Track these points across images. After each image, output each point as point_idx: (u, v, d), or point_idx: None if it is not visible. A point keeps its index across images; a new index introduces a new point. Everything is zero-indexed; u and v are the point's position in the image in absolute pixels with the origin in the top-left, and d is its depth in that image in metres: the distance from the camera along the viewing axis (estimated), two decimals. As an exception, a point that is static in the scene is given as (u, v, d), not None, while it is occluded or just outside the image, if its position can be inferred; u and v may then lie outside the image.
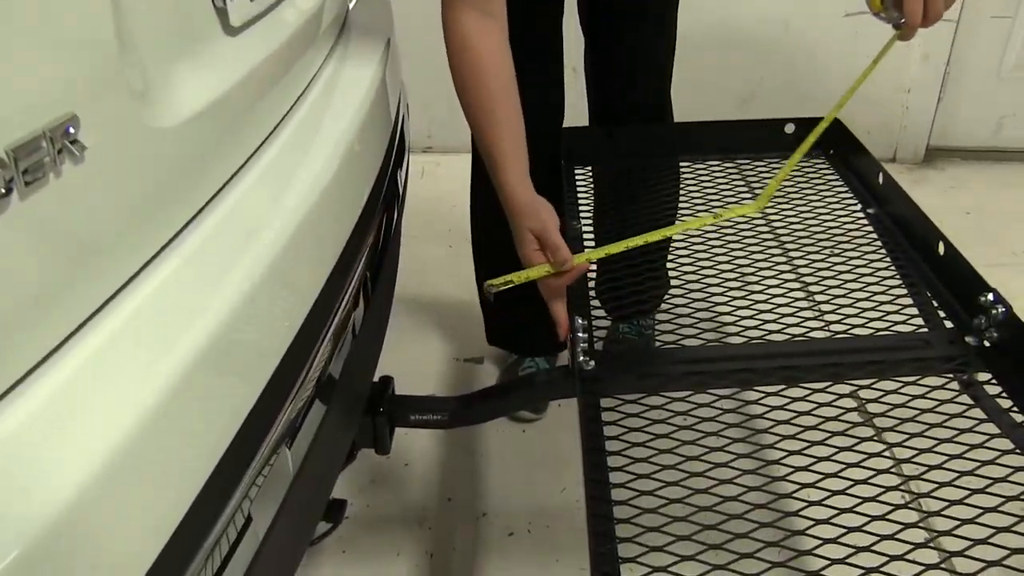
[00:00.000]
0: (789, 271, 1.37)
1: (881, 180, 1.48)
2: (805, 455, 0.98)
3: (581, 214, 1.49)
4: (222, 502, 0.61)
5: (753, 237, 1.45)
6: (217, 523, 0.60)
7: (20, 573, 0.42)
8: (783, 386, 1.13)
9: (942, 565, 0.81)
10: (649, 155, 1.70)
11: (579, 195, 1.56)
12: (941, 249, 1.27)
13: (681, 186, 1.62)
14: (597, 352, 1.14)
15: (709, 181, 1.61)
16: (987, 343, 1.13)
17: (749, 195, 1.57)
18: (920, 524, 0.90)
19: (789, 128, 1.68)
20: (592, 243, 1.47)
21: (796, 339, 1.21)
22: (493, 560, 1.43)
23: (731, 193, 1.57)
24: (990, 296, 1.14)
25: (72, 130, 0.51)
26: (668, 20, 1.72)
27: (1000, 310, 1.12)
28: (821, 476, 0.93)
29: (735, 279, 1.33)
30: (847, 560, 0.82)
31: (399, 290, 1.77)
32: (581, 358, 1.11)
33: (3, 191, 0.46)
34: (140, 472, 0.52)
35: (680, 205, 1.58)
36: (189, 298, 0.62)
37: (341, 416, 0.91)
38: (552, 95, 1.71)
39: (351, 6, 1.30)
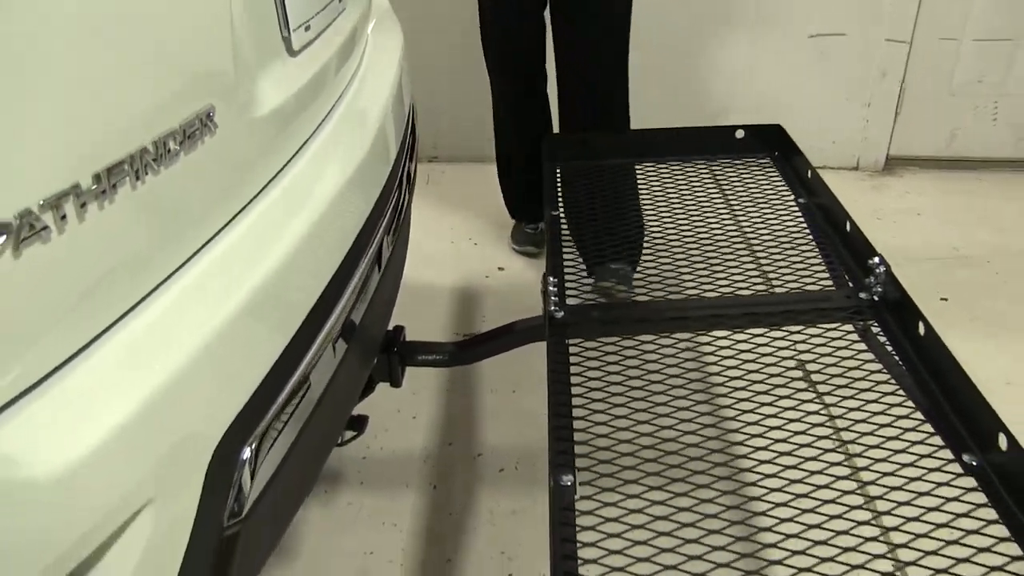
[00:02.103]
0: (740, 244, 1.71)
1: (810, 176, 1.81)
2: (744, 391, 1.31)
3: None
4: (292, 369, 0.93)
5: (715, 218, 1.78)
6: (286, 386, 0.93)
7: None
8: (715, 331, 1.46)
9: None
10: (617, 157, 2.03)
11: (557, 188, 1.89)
12: (848, 227, 1.59)
13: (644, 182, 1.96)
14: (567, 304, 1.47)
15: (670, 179, 1.94)
16: (876, 298, 1.46)
17: (704, 193, 1.90)
18: (827, 425, 1.23)
19: (739, 134, 2.01)
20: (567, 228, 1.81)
21: (727, 295, 1.53)
22: (486, 491, 1.75)
23: (688, 189, 1.90)
24: (876, 260, 1.46)
25: (211, 114, 0.84)
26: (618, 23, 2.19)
27: (882, 270, 1.44)
28: (757, 406, 1.25)
29: (690, 248, 1.67)
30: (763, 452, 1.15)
31: (407, 277, 2.11)
32: (552, 307, 1.44)
33: (176, 148, 0.79)
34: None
35: (643, 197, 1.93)
36: (260, 245, 0.94)
37: (364, 343, 1.23)
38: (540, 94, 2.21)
39: (370, 28, 1.63)
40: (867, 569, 0.98)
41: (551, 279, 1.46)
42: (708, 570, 0.98)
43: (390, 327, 1.52)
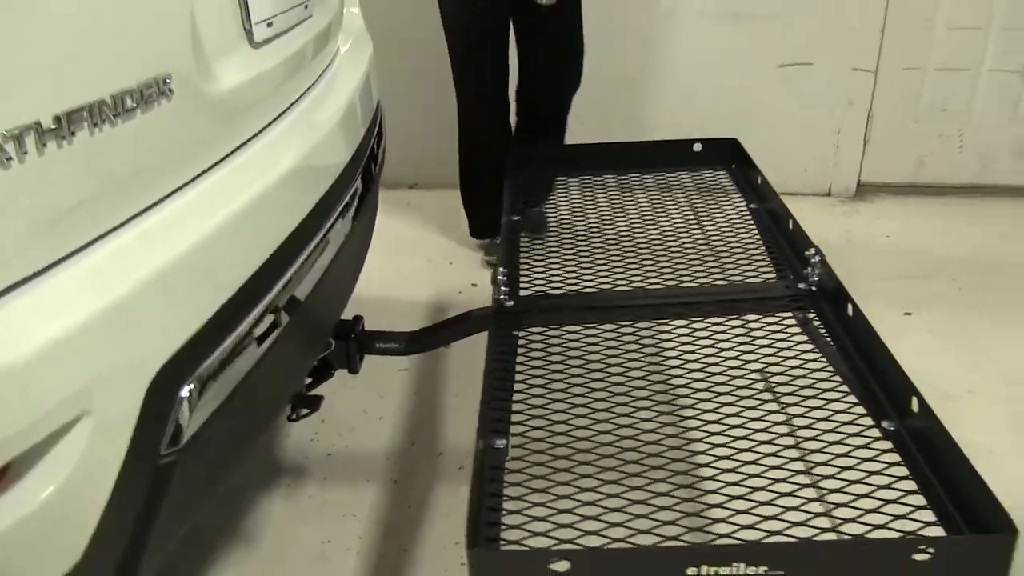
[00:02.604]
0: (701, 239, 1.82)
1: (760, 182, 1.92)
2: (683, 377, 1.41)
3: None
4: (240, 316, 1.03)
5: (668, 221, 1.89)
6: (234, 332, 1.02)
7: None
8: (657, 320, 1.56)
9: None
10: (579, 170, 2.15)
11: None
12: (790, 224, 1.70)
13: (605, 193, 2.08)
14: (519, 296, 1.57)
15: (628, 187, 2.06)
16: (813, 288, 1.56)
17: (659, 199, 2.01)
18: (757, 398, 1.32)
19: (697, 147, 2.13)
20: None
21: (671, 287, 1.64)
22: (445, 487, 1.82)
23: (644, 196, 2.01)
24: (813, 251, 1.56)
25: (168, 81, 0.95)
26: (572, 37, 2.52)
27: (817, 259, 1.55)
28: (693, 391, 1.35)
29: (640, 247, 1.78)
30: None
31: (384, 291, 2.23)
32: (502, 296, 1.54)
33: (134, 105, 0.90)
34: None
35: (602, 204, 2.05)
36: (212, 206, 1.04)
37: (312, 314, 1.33)
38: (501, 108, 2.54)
39: (341, 39, 1.77)
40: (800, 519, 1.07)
41: (502, 270, 1.56)
42: (629, 535, 1.06)
43: (349, 317, 1.62)
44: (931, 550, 0.92)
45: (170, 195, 1.01)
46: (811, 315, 1.54)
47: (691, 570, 0.92)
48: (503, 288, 1.55)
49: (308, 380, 1.58)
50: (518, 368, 1.41)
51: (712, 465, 1.19)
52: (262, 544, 1.67)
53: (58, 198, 0.82)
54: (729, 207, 1.94)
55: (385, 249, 2.97)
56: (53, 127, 0.80)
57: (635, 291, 1.61)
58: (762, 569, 0.93)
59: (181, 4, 1.00)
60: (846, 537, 1.02)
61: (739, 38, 3.09)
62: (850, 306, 1.41)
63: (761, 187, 1.91)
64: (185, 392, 0.95)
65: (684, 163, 2.12)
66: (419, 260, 2.82)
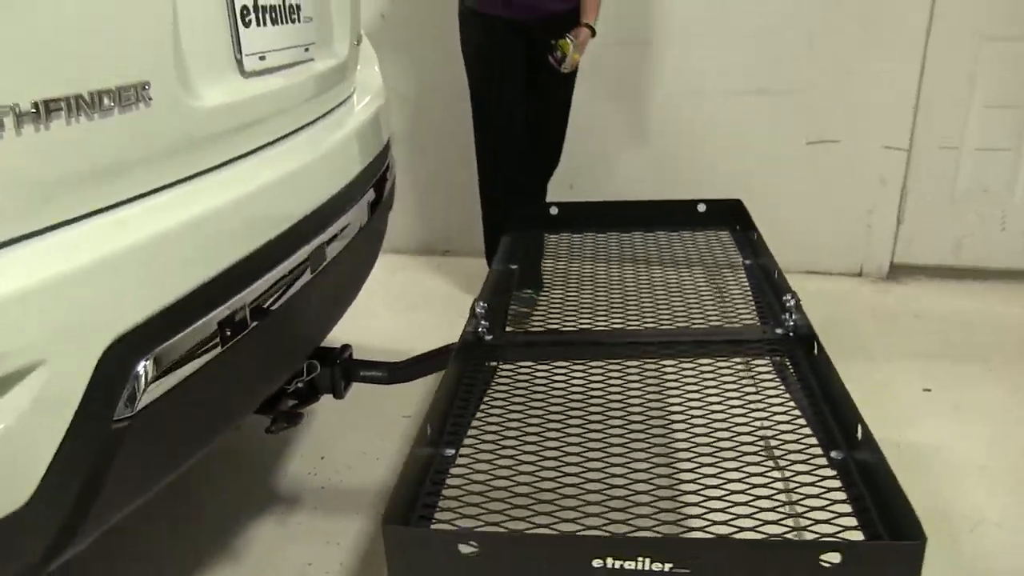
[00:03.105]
0: (692, 289, 1.88)
1: (756, 240, 1.98)
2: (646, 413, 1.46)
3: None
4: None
5: (661, 268, 1.95)
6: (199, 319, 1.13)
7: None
8: (638, 360, 1.61)
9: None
10: (584, 228, 2.23)
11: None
12: (776, 275, 1.75)
13: (606, 247, 2.16)
14: (502, 332, 1.65)
15: (629, 244, 2.14)
16: (788, 332, 1.60)
17: (657, 255, 2.08)
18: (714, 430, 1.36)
19: (701, 207, 2.20)
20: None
21: (650, 328, 1.69)
22: (432, 524, 1.86)
23: (643, 253, 2.08)
24: (789, 296, 1.61)
25: (147, 88, 1.09)
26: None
27: (792, 303, 1.59)
28: (650, 426, 1.40)
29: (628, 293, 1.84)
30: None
31: (400, 343, 2.32)
32: (480, 329, 1.62)
33: (111, 104, 1.03)
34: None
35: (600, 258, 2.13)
36: (187, 205, 1.17)
37: (285, 324, 1.43)
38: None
39: (354, 87, 1.92)
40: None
41: (481, 303, 1.64)
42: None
43: (338, 346, 1.72)
44: (838, 554, 0.94)
45: (148, 194, 1.13)
46: (781, 356, 1.58)
47: (597, 562, 0.96)
48: (483, 323, 1.63)
49: (293, 402, 1.67)
50: (486, 396, 1.48)
51: (649, 472, 1.23)
52: (248, 561, 1.73)
53: (33, 175, 0.94)
54: (725, 263, 2.00)
55: (410, 306, 3.10)
56: (32, 111, 0.92)
57: (615, 331, 1.67)
58: (668, 566, 0.96)
59: (164, 21, 1.14)
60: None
61: (766, 114, 3.18)
62: (816, 346, 1.45)
63: (756, 243, 1.97)
64: (141, 365, 1.05)
65: (688, 223, 2.19)
66: (440, 316, 2.92)
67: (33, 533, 0.97)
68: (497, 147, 2.82)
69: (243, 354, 1.26)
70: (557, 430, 1.34)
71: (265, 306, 1.31)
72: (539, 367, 1.55)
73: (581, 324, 1.73)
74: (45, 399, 0.93)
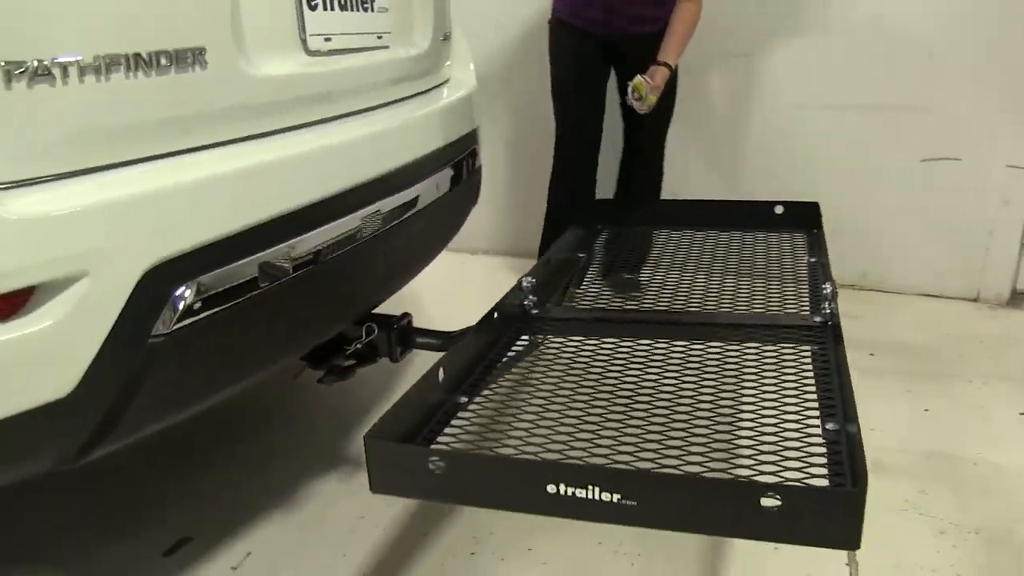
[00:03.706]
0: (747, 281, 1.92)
1: (821, 239, 1.98)
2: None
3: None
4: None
5: (724, 262, 1.99)
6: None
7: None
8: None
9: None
10: (661, 225, 2.29)
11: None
12: (827, 268, 1.75)
13: (676, 243, 2.20)
14: (550, 305, 1.74)
15: (700, 242, 2.17)
16: (828, 321, 1.60)
17: (727, 249, 2.10)
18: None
19: (779, 209, 2.21)
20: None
21: (694, 311, 1.73)
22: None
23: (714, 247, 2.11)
24: (827, 285, 1.61)
25: (203, 53, 1.26)
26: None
27: (828, 290, 1.59)
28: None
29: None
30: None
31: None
32: (527, 302, 1.71)
33: (166, 64, 1.20)
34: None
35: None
36: (242, 158, 1.33)
37: (333, 277, 1.57)
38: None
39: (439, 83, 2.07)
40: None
41: (528, 278, 1.73)
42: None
43: (398, 313, 1.85)
44: (778, 496, 0.97)
45: (205, 147, 1.30)
46: (812, 341, 1.58)
47: (551, 487, 1.03)
48: (530, 296, 1.72)
49: (352, 361, 1.81)
50: (518, 363, 1.57)
51: (641, 429, 1.28)
52: (305, 511, 1.88)
53: (93, 119, 1.12)
54: (790, 260, 2.00)
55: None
56: (93, 64, 1.10)
57: (658, 312, 1.72)
58: (616, 497, 1.02)
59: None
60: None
61: (878, 130, 3.11)
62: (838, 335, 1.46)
63: (821, 242, 1.97)
64: (179, 291, 1.21)
65: (765, 224, 2.20)
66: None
67: (74, 422, 1.14)
68: (564, 155, 2.89)
69: (281, 299, 1.41)
70: (569, 393, 1.41)
71: (307, 259, 1.45)
72: (573, 340, 1.62)
73: (629, 305, 1.79)
74: (87, 306, 1.10)
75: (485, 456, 1.09)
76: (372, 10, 1.72)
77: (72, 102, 1.09)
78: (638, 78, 2.55)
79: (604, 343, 1.60)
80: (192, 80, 1.25)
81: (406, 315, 1.85)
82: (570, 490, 1.02)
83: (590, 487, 1.01)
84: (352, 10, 1.65)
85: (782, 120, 3.21)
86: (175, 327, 1.21)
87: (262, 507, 1.90)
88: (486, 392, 1.41)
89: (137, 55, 1.16)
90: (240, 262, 1.31)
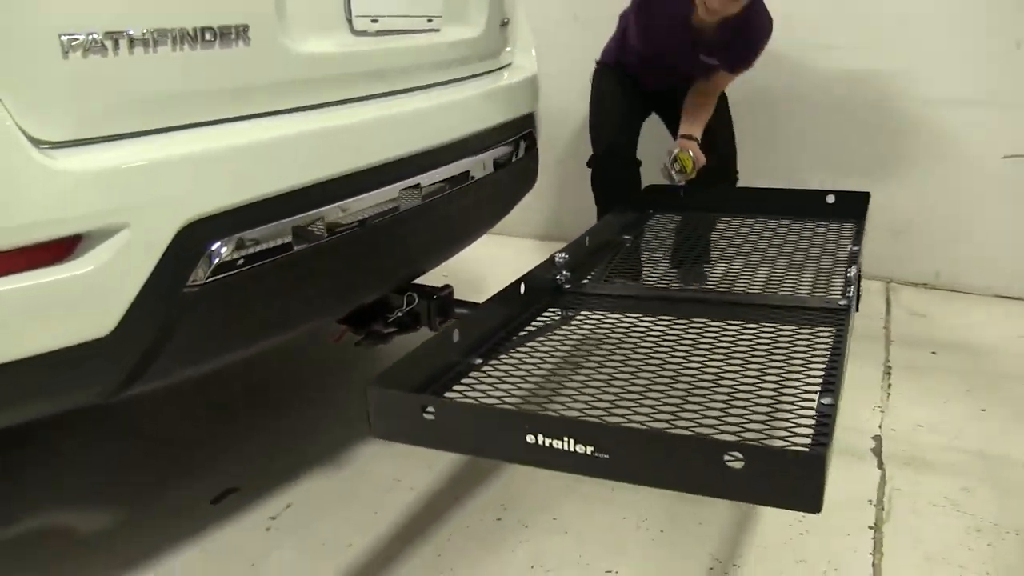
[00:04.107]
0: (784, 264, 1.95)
1: (862, 231, 1.99)
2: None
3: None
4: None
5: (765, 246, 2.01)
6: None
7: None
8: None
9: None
10: (712, 211, 2.31)
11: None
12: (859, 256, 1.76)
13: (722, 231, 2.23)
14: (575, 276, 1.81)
15: (747, 227, 2.19)
16: (851, 303, 1.61)
17: (769, 238, 2.12)
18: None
19: (830, 199, 2.20)
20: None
21: (722, 291, 1.76)
22: (512, 471, 2.03)
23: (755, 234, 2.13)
24: (853, 269, 1.62)
25: (246, 31, 1.38)
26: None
27: (853, 273, 1.61)
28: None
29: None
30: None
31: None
32: (559, 277, 1.78)
33: (211, 39, 1.33)
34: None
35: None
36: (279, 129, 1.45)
37: (368, 244, 1.67)
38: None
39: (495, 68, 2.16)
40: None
41: (561, 254, 1.80)
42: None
43: (439, 285, 1.95)
44: (741, 456, 1.02)
45: (247, 117, 1.42)
46: (832, 322, 1.60)
47: (530, 437, 1.10)
48: (564, 272, 1.79)
49: (393, 328, 1.91)
50: (542, 334, 1.64)
51: (641, 396, 1.33)
52: (346, 471, 2.00)
53: (140, 88, 1.25)
54: (833, 247, 2.00)
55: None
56: (142, 37, 1.23)
57: (686, 290, 1.76)
58: (590, 449, 1.08)
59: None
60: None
61: (960, 126, 3.03)
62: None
63: (860, 232, 1.97)
64: (214, 246, 1.33)
65: (816, 214, 2.20)
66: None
67: (112, 360, 1.28)
68: (604, 141, 2.88)
69: (312, 263, 1.52)
70: (579, 359, 1.48)
71: (338, 226, 1.55)
72: (598, 315, 1.68)
73: (661, 284, 1.83)
74: (127, 256, 1.23)
75: (471, 405, 1.17)
76: (422, -6, 1.82)
77: (120, 72, 1.22)
78: (683, 152, 2.55)
79: (626, 318, 1.66)
80: (235, 54, 1.37)
81: (447, 287, 1.94)
82: (547, 440, 1.09)
83: (566, 439, 1.08)
84: (401, -8, 1.75)
85: (861, 113, 3.16)
86: (208, 280, 1.34)
87: (306, 463, 2.03)
88: (502, 356, 1.49)
89: (183, 30, 1.29)
90: (273, 224, 1.43)
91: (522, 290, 1.65)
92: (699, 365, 1.46)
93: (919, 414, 2.25)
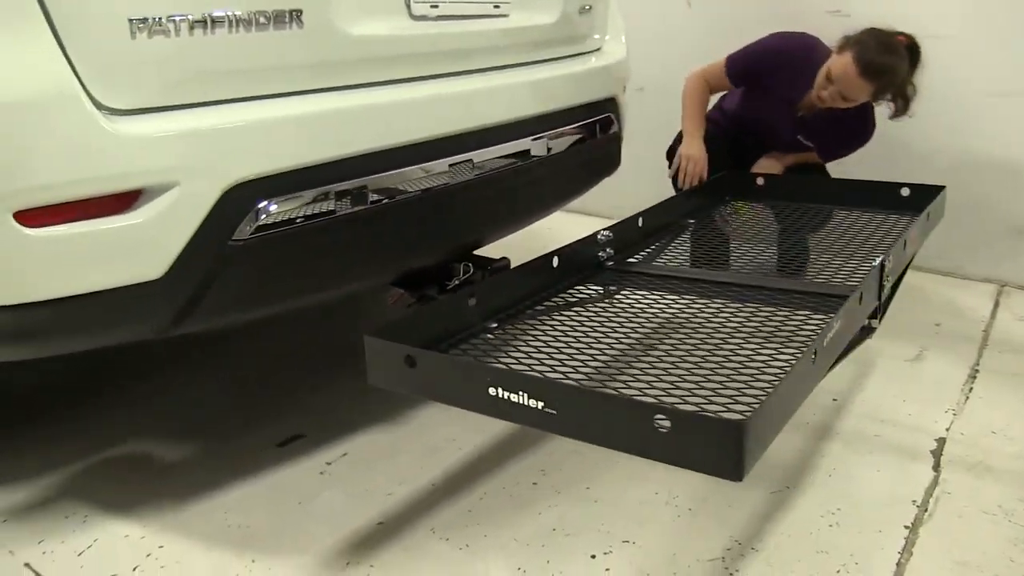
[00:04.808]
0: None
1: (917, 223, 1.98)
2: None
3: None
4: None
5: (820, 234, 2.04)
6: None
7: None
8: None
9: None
10: (788, 199, 2.33)
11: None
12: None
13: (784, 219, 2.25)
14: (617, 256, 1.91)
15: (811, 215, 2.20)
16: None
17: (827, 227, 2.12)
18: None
19: (905, 191, 2.18)
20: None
21: (750, 274, 1.81)
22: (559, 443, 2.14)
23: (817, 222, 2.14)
24: (879, 259, 1.64)
25: (299, 15, 1.56)
26: None
27: (877, 263, 1.62)
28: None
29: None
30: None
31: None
32: (601, 253, 1.88)
33: (264, 22, 1.52)
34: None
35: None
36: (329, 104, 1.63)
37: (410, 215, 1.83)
38: None
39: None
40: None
41: (605, 232, 1.90)
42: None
43: (497, 257, 2.09)
44: (668, 420, 1.10)
45: (302, 92, 1.61)
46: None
47: (492, 390, 1.23)
48: (607, 249, 1.89)
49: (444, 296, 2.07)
50: (572, 308, 1.75)
51: (630, 367, 1.42)
52: (404, 427, 2.18)
53: (199, 64, 1.46)
54: (883, 239, 2.00)
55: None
56: (200, 20, 1.44)
57: (717, 272, 1.82)
58: (541, 404, 1.19)
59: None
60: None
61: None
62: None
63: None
64: (259, 206, 1.53)
65: (890, 205, 2.18)
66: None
67: (165, 300, 1.50)
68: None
69: (352, 228, 1.69)
70: (586, 329, 1.58)
71: (380, 196, 1.72)
72: (629, 291, 1.77)
73: (697, 267, 1.90)
74: (178, 210, 1.45)
75: (444, 357, 1.30)
76: (489, -19, 1.96)
77: (179, 51, 1.43)
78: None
79: (651, 296, 1.74)
80: (289, 36, 1.56)
81: (504, 259, 2.08)
82: (506, 394, 1.21)
83: (521, 393, 1.20)
84: (465, -19, 1.89)
85: (972, 108, 3.04)
86: (251, 237, 1.54)
87: (368, 418, 2.23)
88: (520, 324, 1.61)
89: (238, 14, 1.49)
90: (313, 191, 1.61)
91: (555, 263, 1.76)
92: (697, 339, 1.53)
93: (996, 420, 2.19)
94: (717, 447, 1.07)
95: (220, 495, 1.92)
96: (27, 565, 1.70)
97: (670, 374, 1.40)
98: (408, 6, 1.78)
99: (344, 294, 1.84)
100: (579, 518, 1.83)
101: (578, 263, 1.86)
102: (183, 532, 1.79)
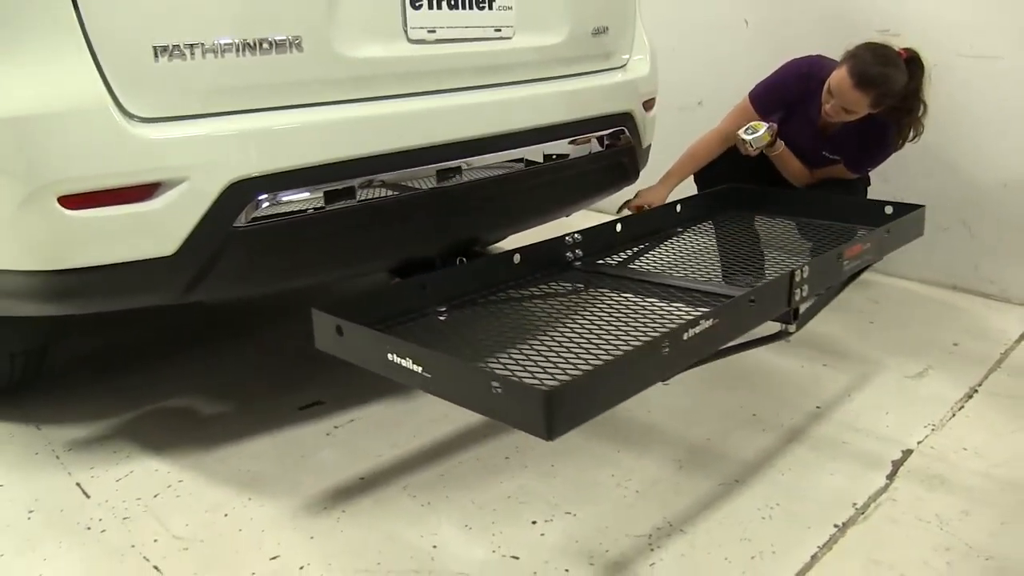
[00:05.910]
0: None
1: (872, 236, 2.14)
2: None
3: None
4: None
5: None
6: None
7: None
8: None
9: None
10: (776, 214, 2.53)
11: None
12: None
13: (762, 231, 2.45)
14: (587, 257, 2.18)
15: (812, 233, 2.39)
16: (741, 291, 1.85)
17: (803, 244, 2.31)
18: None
19: (888, 209, 2.34)
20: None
21: (701, 279, 2.04)
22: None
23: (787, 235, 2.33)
24: (798, 270, 1.84)
25: (299, 42, 1.94)
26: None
27: (791, 271, 1.83)
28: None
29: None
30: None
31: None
32: (570, 256, 2.16)
33: (267, 47, 1.90)
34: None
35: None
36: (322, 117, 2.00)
37: (400, 216, 2.17)
38: None
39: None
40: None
41: (576, 235, 2.18)
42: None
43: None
44: (500, 386, 1.39)
45: (301, 106, 1.98)
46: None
47: (390, 356, 1.55)
48: (577, 251, 2.17)
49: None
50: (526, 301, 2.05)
51: (552, 352, 1.71)
52: (408, 402, 2.53)
53: (211, 82, 1.86)
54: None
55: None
56: (210, 46, 1.84)
57: (671, 276, 2.07)
58: (420, 368, 1.51)
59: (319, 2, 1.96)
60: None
61: None
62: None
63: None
64: (257, 199, 1.91)
65: (875, 221, 2.34)
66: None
67: (176, 273, 1.91)
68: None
69: (341, 222, 2.04)
70: (519, 317, 1.87)
71: (368, 196, 2.06)
72: (578, 286, 2.05)
73: (655, 269, 2.15)
74: (187, 200, 1.85)
75: (360, 328, 1.63)
76: (490, 8, 2.27)
77: (194, 72, 1.83)
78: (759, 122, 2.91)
79: (591, 292, 2.02)
80: (290, 59, 1.94)
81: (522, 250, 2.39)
82: (398, 360, 1.53)
83: (408, 359, 1.51)
84: (464, 8, 2.22)
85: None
86: (250, 223, 1.92)
87: (381, 390, 2.59)
88: (467, 311, 1.92)
89: (245, 41, 1.87)
90: (305, 188, 1.98)
91: (516, 260, 2.06)
92: (596, 328, 1.81)
93: (974, 439, 2.31)
94: (531, 410, 1.35)
95: (240, 445, 2.33)
96: (78, 484, 2.16)
97: (553, 351, 1.69)
98: (405, 31, 2.13)
99: (337, 278, 2.21)
100: (534, 490, 2.11)
101: (545, 261, 2.14)
102: (201, 472, 2.21)
